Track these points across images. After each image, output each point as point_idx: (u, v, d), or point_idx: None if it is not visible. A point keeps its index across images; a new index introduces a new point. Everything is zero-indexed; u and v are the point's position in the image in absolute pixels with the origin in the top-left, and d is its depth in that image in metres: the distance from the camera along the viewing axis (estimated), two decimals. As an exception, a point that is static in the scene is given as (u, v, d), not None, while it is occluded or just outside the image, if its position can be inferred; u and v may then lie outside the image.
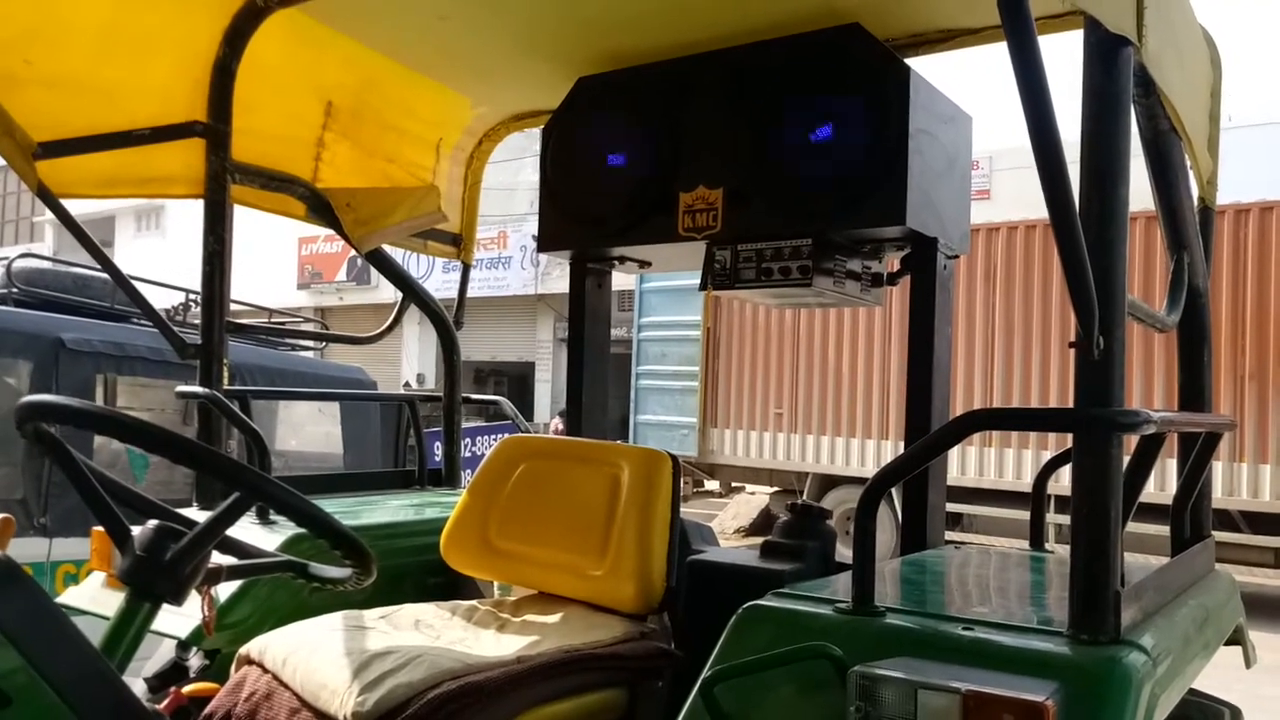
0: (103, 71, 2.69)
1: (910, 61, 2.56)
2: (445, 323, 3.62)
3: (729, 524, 15.06)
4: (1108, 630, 1.48)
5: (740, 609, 1.68)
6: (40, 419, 1.52)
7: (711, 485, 15.76)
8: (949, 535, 9.84)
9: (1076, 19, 2.29)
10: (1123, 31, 1.47)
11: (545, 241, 3.07)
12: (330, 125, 3.20)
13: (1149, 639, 1.54)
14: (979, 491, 10.72)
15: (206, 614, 1.72)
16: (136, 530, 1.57)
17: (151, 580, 1.52)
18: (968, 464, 10.87)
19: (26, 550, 4.43)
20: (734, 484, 14.76)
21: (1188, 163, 2.10)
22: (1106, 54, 1.51)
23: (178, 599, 1.54)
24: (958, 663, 1.46)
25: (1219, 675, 2.29)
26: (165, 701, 1.74)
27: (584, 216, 2.92)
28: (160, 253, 26.89)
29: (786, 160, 2.55)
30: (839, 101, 2.48)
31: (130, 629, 1.51)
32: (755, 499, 15.19)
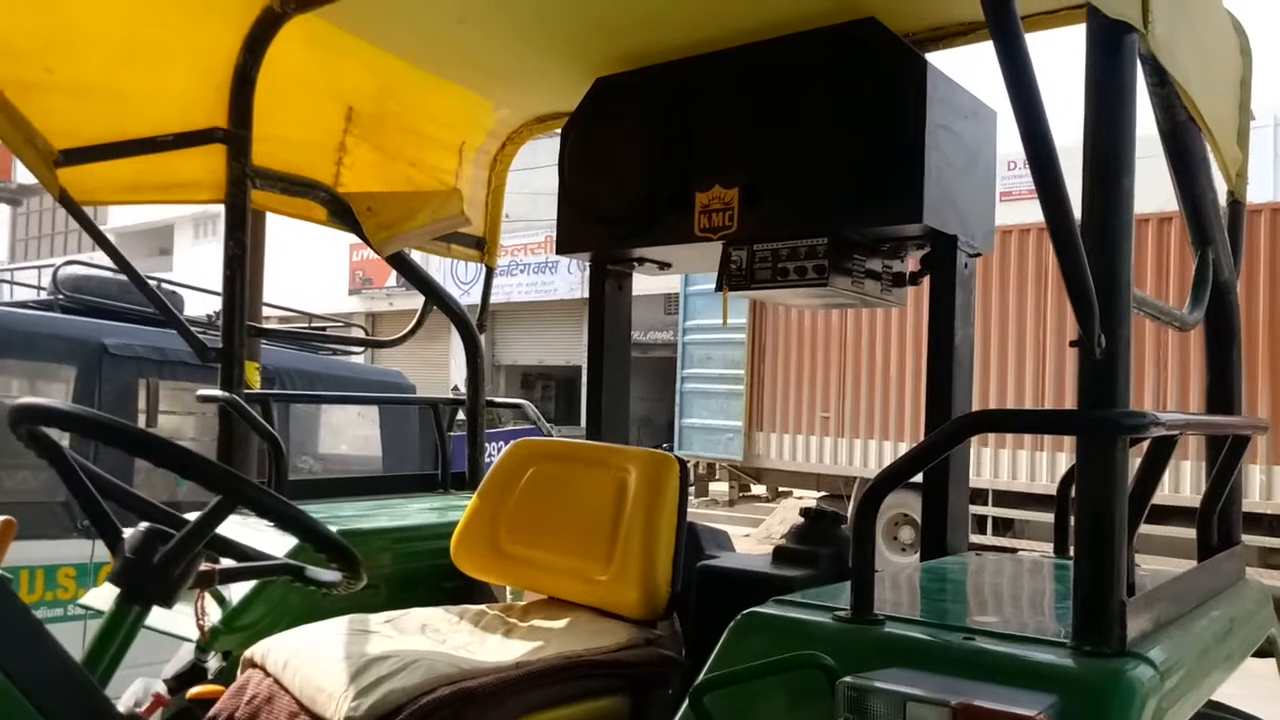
0: (123, 79, 2.72)
1: (931, 56, 2.50)
2: (468, 325, 3.62)
3: (776, 529, 14.92)
4: (1111, 642, 1.42)
5: (738, 616, 1.65)
6: (32, 422, 1.54)
7: (758, 490, 15.64)
8: (999, 541, 9.62)
9: (1076, 14, 2.23)
10: (1124, 18, 1.41)
11: (564, 243, 3.05)
12: (351, 130, 3.21)
13: (1158, 651, 1.47)
14: (1032, 497, 10.52)
15: (199, 617, 1.72)
16: (128, 532, 1.58)
17: (140, 583, 1.53)
18: (1019, 469, 10.67)
19: (69, 552, 4.53)
20: (781, 489, 14.64)
21: (1209, 154, 2.02)
22: (1108, 42, 1.45)
23: (166, 602, 1.55)
24: (954, 674, 1.41)
25: (1253, 685, 2.20)
26: (146, 705, 1.75)
27: (601, 217, 2.90)
28: (218, 260, 27.36)
29: (802, 158, 2.50)
30: (855, 97, 2.43)
31: (119, 632, 1.51)
32: (803, 504, 15.05)
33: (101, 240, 2.80)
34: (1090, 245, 1.39)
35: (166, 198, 2.96)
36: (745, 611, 1.66)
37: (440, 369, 23.45)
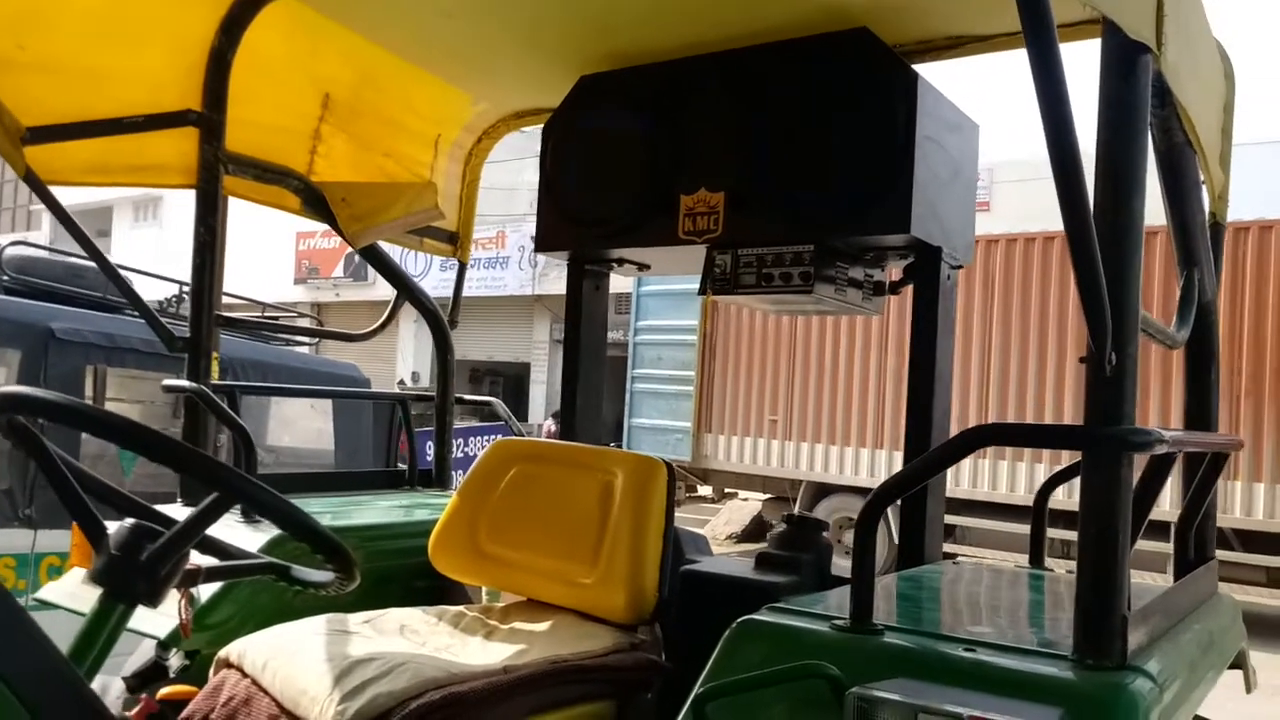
0: (96, 57, 2.63)
1: (917, 68, 2.52)
2: (440, 321, 3.57)
3: (721, 530, 15.02)
4: (1113, 655, 1.43)
5: (734, 624, 1.64)
6: (13, 411, 1.47)
7: (704, 490, 15.71)
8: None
9: (1092, 29, 2.25)
10: (1142, 39, 1.42)
11: (543, 241, 3.02)
12: (327, 118, 3.14)
13: (1155, 664, 1.50)
14: (972, 504, 10.68)
15: (183, 616, 1.67)
16: (112, 528, 1.51)
17: (126, 581, 1.46)
18: (961, 475, 10.83)
19: (11, 541, 4.37)
20: (727, 490, 14.72)
21: (1200, 177, 2.06)
22: (1125, 62, 1.46)
23: (153, 601, 1.49)
24: (957, 685, 1.41)
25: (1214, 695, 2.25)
26: (137, 709, 1.69)
27: (583, 217, 2.88)
28: (158, 243, 26.83)
29: (790, 165, 2.51)
30: (845, 106, 2.44)
31: (103, 631, 1.45)
32: (748, 505, 15.15)
33: (68, 222, 2.70)
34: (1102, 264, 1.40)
35: (136, 180, 2.87)
36: (741, 619, 1.65)
37: (388, 362, 23.19)
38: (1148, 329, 1.62)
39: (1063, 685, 1.40)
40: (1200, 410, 2.25)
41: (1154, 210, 2.06)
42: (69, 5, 2.52)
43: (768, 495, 13.12)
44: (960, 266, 2.64)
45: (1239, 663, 2.20)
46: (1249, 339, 9.44)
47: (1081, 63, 1.71)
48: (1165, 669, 1.52)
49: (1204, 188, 2.10)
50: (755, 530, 14.52)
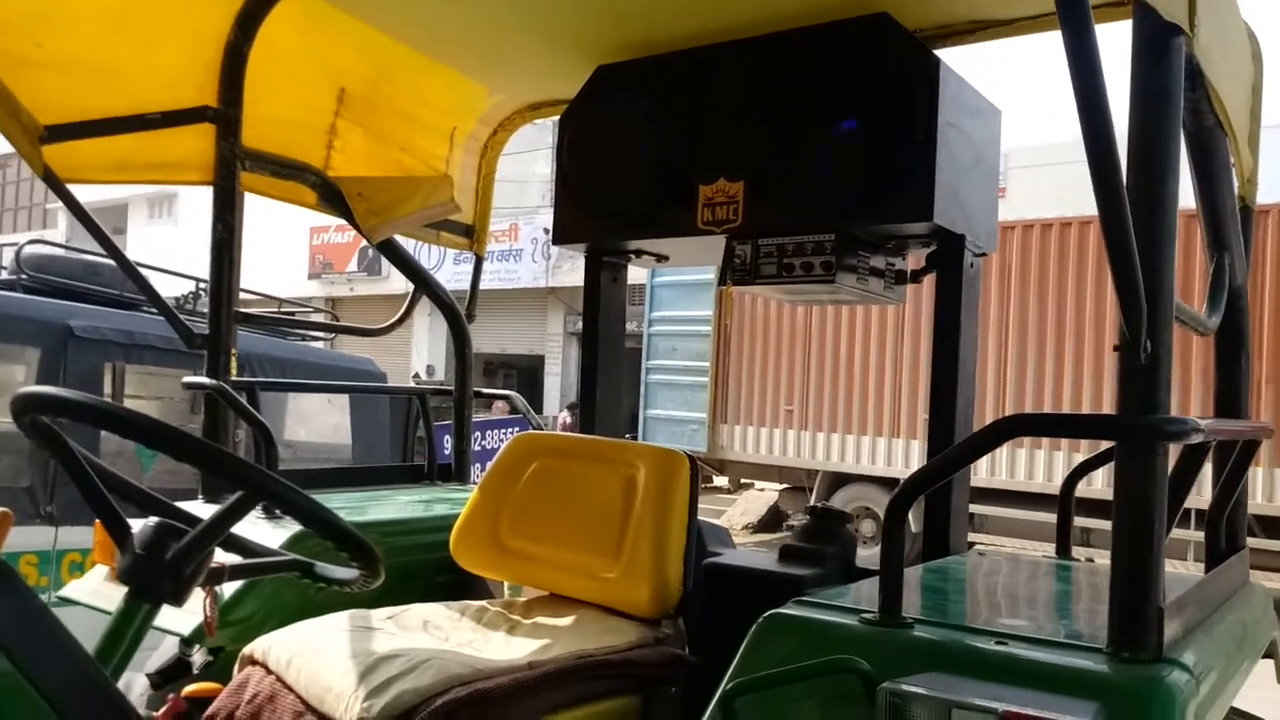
0: (112, 54, 2.63)
1: (938, 53, 2.49)
2: (457, 315, 3.56)
3: (737, 520, 15.01)
4: (1149, 648, 1.41)
5: (761, 617, 1.62)
6: (38, 411, 1.46)
7: (720, 481, 15.70)
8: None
9: (1122, 10, 2.22)
10: (1175, 20, 1.39)
11: (561, 234, 3.00)
12: (343, 112, 3.14)
13: (1191, 656, 1.47)
14: (991, 491, 10.63)
15: (208, 614, 1.66)
16: (137, 527, 1.51)
17: (151, 580, 1.46)
18: (980, 463, 10.77)
19: (32, 539, 4.39)
20: (743, 480, 14.70)
21: (1230, 160, 2.02)
22: (1158, 43, 1.43)
23: (178, 600, 1.49)
24: (990, 679, 1.39)
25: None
26: (164, 709, 1.68)
27: (601, 208, 2.86)
28: (173, 240, 26.94)
29: (810, 153, 2.48)
30: (866, 93, 2.41)
31: (129, 630, 1.45)
32: (764, 495, 15.14)
33: (87, 221, 2.71)
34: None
35: (153, 177, 2.87)
36: (768, 613, 1.63)
37: (401, 356, 23.22)
38: (1181, 316, 1.59)
39: (1098, 679, 1.38)
40: (1231, 398, 2.21)
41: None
42: (85, 3, 2.51)
43: (784, 485, 13.10)
44: (984, 254, 2.61)
45: (1270, 652, 2.17)
46: (1269, 323, 9.35)
47: (1111, 46, 1.68)
48: (1201, 661, 1.49)
49: (1233, 171, 2.06)
50: (772, 520, 14.51)
